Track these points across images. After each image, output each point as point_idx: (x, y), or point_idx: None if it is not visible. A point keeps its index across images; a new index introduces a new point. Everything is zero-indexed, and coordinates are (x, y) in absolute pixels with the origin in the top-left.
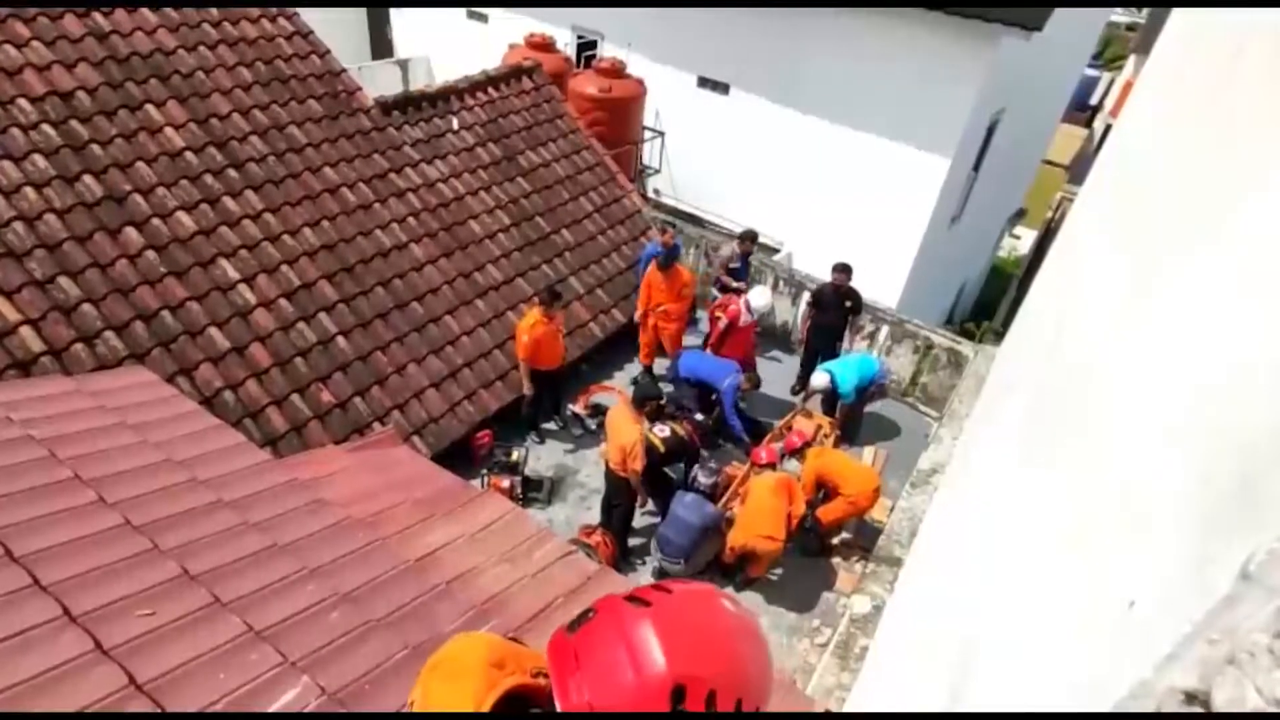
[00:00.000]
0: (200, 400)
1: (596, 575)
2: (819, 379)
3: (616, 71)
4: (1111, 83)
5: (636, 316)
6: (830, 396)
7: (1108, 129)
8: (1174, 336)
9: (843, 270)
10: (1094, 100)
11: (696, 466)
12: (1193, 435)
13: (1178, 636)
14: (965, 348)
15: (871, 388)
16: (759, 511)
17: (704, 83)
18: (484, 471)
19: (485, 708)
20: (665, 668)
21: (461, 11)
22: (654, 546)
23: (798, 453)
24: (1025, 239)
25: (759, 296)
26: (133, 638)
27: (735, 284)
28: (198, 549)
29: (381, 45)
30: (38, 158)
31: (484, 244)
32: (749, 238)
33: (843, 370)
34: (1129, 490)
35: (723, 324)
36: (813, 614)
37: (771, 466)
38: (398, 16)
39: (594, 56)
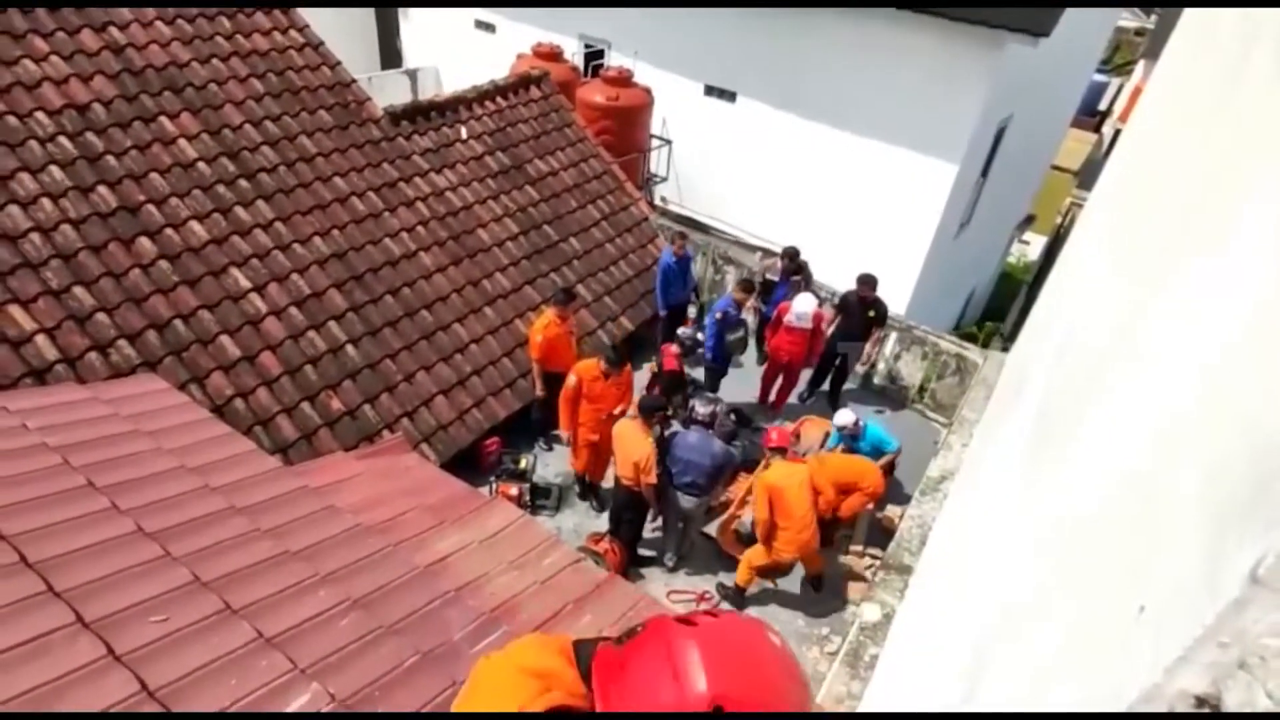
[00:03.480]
0: (211, 408)
1: (605, 583)
2: (846, 416)
3: (624, 80)
4: (1120, 88)
5: (565, 438)
6: (853, 438)
7: (1116, 134)
8: (1183, 338)
9: (867, 282)
10: (1103, 105)
11: (694, 399)
12: (1203, 437)
13: (1188, 640)
14: (973, 354)
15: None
16: (805, 525)
17: (711, 91)
18: (492, 479)
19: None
20: (705, 687)
21: (470, 21)
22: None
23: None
24: (1034, 245)
25: (801, 303)
26: (145, 644)
27: (753, 302)
28: (209, 555)
29: (391, 55)
30: (54, 169)
31: (492, 252)
32: (789, 255)
33: (872, 429)
34: (1138, 493)
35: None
36: (822, 622)
37: (782, 451)
38: (407, 27)
39: (601, 65)
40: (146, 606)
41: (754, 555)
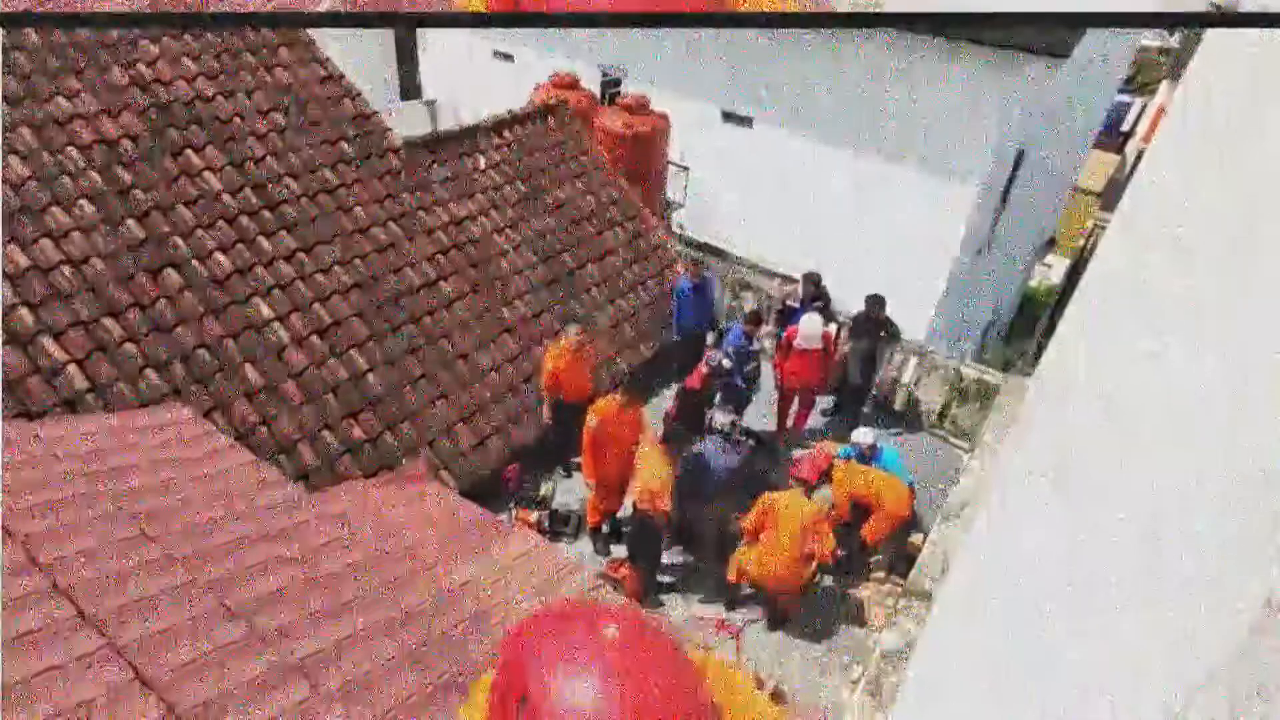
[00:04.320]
0: (235, 436)
1: None
2: (864, 435)
3: (641, 108)
4: (1144, 108)
5: (588, 480)
6: (863, 457)
7: (1140, 155)
8: (1201, 361)
9: (876, 301)
10: (1126, 126)
11: (714, 410)
12: (1220, 465)
13: (1208, 665)
14: (994, 378)
15: None
16: (781, 551)
17: (728, 117)
18: (512, 505)
19: None
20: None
21: (488, 52)
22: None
23: (821, 480)
24: (1057, 268)
25: (808, 324)
26: (172, 669)
27: (767, 328)
28: (235, 581)
29: (410, 86)
30: (84, 203)
31: (511, 280)
32: (813, 280)
33: (890, 453)
34: (1157, 520)
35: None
36: (843, 650)
37: (808, 485)
38: (426, 58)
39: (618, 93)
40: (175, 632)
41: (739, 554)
